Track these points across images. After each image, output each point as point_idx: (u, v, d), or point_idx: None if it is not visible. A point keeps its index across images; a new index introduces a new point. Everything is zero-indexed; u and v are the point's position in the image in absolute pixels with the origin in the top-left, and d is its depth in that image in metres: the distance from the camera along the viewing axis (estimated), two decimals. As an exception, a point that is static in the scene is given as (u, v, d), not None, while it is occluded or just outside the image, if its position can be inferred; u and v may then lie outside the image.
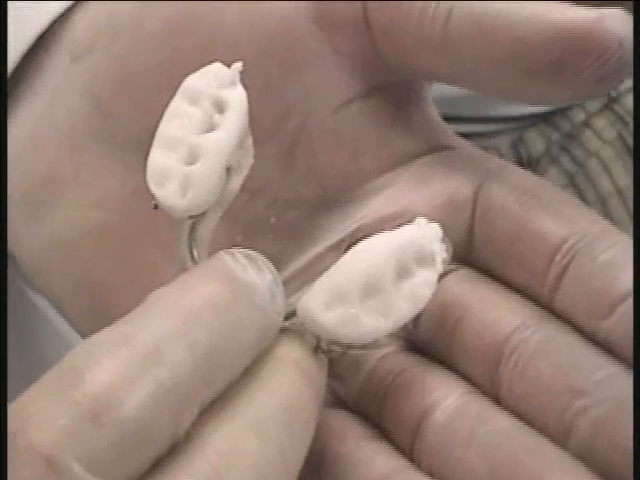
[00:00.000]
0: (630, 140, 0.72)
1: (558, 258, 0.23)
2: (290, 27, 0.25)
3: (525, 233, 0.24)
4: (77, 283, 0.28)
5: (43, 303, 0.30)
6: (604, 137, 0.72)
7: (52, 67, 0.28)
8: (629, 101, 0.73)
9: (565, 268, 0.23)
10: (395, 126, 0.26)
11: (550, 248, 0.23)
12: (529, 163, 0.73)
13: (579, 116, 0.73)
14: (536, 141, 0.64)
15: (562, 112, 0.58)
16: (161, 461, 0.19)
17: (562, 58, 0.22)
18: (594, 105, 0.73)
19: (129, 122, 0.26)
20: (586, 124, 0.73)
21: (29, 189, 0.28)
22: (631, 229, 0.70)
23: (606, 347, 0.22)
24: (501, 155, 0.68)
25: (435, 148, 0.26)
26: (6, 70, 0.28)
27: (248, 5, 0.25)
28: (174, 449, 0.19)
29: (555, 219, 0.24)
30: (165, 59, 0.25)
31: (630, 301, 0.22)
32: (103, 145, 0.27)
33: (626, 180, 0.70)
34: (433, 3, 0.23)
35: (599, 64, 0.22)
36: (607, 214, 0.70)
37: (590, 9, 0.22)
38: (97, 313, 0.21)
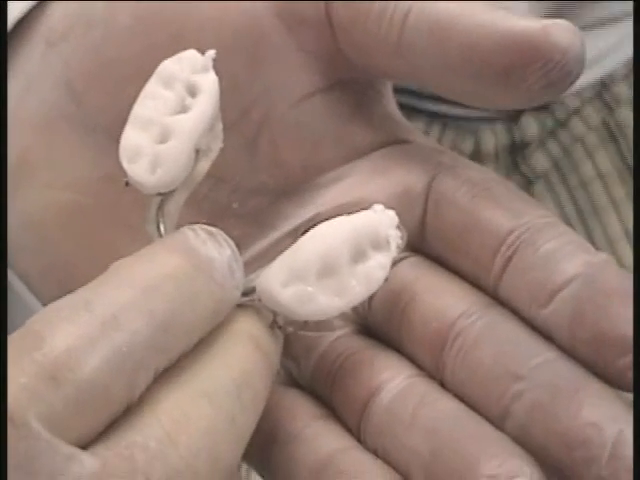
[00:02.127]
0: (614, 127, 0.73)
1: (503, 249, 0.24)
2: (256, 23, 0.26)
3: (473, 225, 0.24)
4: (46, 263, 0.28)
5: (17, 282, 0.30)
6: (590, 123, 0.73)
7: (27, 54, 0.28)
8: (619, 88, 0.75)
9: (509, 259, 0.24)
10: (355, 120, 0.27)
11: (496, 239, 0.24)
12: (521, 147, 0.75)
13: (573, 103, 0.75)
14: (531, 126, 0.66)
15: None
16: (116, 422, 0.20)
17: (509, 65, 0.23)
18: (588, 91, 0.75)
19: (101, 109, 0.27)
20: (577, 111, 0.74)
21: None
22: (613, 215, 0.73)
23: (545, 334, 0.23)
24: (495, 136, 0.70)
25: (393, 141, 0.27)
26: (6, 67, 0.29)
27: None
28: (129, 412, 0.20)
29: (502, 212, 0.24)
30: (136, 51, 0.26)
31: (567, 290, 0.22)
32: (76, 130, 0.28)
33: (608, 166, 0.72)
34: (391, 6, 0.24)
35: (543, 72, 0.22)
36: (589, 198, 0.72)
37: (537, 20, 0.23)
38: (65, 292, 0.22)
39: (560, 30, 0.22)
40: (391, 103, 0.28)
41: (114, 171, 0.23)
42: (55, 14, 0.28)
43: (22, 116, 0.28)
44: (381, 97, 0.28)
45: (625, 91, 0.74)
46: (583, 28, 0.74)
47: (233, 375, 0.21)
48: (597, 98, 0.75)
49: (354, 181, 0.27)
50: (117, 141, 0.23)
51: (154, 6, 0.26)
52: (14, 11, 0.28)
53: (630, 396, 0.23)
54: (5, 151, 0.29)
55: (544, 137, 0.75)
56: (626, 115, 0.74)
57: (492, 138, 0.71)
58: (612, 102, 0.73)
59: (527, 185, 0.76)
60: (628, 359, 0.21)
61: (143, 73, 0.24)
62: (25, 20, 0.28)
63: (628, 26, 0.73)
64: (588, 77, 0.74)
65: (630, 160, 0.72)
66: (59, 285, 0.27)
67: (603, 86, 0.75)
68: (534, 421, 0.22)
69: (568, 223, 0.75)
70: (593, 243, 0.74)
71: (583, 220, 0.73)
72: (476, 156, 0.77)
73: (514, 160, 0.76)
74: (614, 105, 0.73)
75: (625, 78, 0.75)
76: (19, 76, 0.28)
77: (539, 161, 0.75)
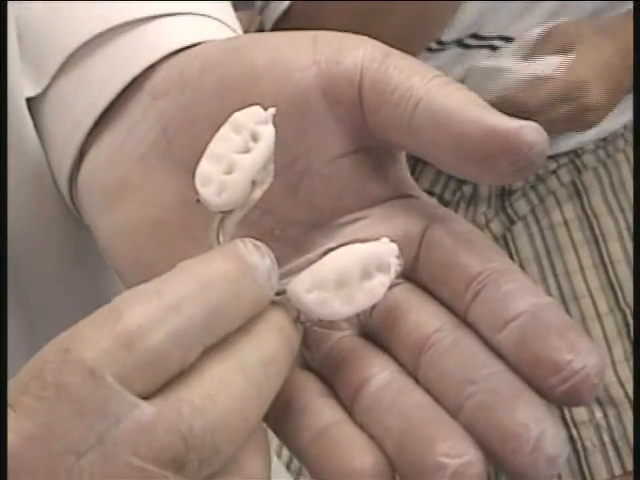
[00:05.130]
0: (580, 185, 0.79)
1: (474, 285, 0.26)
2: (305, 97, 0.28)
3: (454, 264, 0.27)
4: (133, 261, 0.31)
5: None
6: (562, 181, 0.78)
7: (135, 103, 0.32)
8: (587, 158, 0.80)
9: (477, 292, 0.26)
10: (373, 177, 0.30)
11: (469, 277, 0.27)
12: (508, 194, 0.80)
13: (552, 165, 0.80)
14: None
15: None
16: (171, 382, 0.23)
17: (487, 153, 0.25)
18: (563, 158, 0.80)
19: (186, 150, 0.30)
20: (554, 171, 0.79)
21: (107, 189, 0.32)
22: (572, 253, 0.78)
23: (497, 353, 0.25)
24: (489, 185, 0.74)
25: (401, 195, 0.30)
26: (6, 70, 0.31)
27: (277, 74, 0.29)
28: (181, 375, 0.23)
29: (476, 257, 0.27)
30: (215, 109, 0.29)
31: (517, 322, 0.25)
32: (165, 164, 0.30)
33: (572, 215, 0.77)
34: (407, 96, 0.27)
35: (513, 161, 0.25)
36: (555, 238, 0.77)
37: (514, 120, 0.25)
38: None
39: (530, 130, 0.25)
40: (403, 166, 0.30)
41: (190, 196, 0.26)
42: (159, 76, 0.31)
43: (125, 150, 0.31)
44: (395, 161, 0.30)
45: (592, 161, 0.80)
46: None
47: (263, 355, 0.24)
48: (570, 163, 0.80)
49: (368, 223, 0.29)
50: (194, 174, 0.26)
51: (232, 77, 0.29)
52: (136, 68, 0.31)
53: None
54: (5, 152, 0.31)
55: (526, 189, 0.81)
56: (590, 178, 0.79)
57: (486, 186, 0.76)
58: (581, 167, 0.79)
59: (510, 224, 0.81)
60: (556, 379, 0.24)
61: (219, 125, 0.27)
62: (137, 78, 0.32)
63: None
64: (562, 146, 0.80)
65: (589, 212, 0.77)
66: (141, 278, 0.29)
67: (575, 155, 0.81)
68: (479, 416, 0.24)
69: (537, 257, 0.80)
70: (555, 274, 0.79)
71: (549, 255, 0.78)
72: (473, 198, 0.82)
73: (502, 204, 0.81)
74: (582, 169, 0.79)
75: (592, 152, 0.81)
76: (126, 120, 0.32)
77: (521, 206, 0.80)
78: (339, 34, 0.29)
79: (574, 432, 0.77)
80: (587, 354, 0.24)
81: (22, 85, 0.33)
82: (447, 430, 0.24)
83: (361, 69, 0.28)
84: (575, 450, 0.77)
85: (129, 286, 0.24)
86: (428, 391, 0.26)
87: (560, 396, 0.24)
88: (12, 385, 0.22)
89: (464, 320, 0.27)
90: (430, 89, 0.27)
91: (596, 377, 0.24)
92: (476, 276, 0.27)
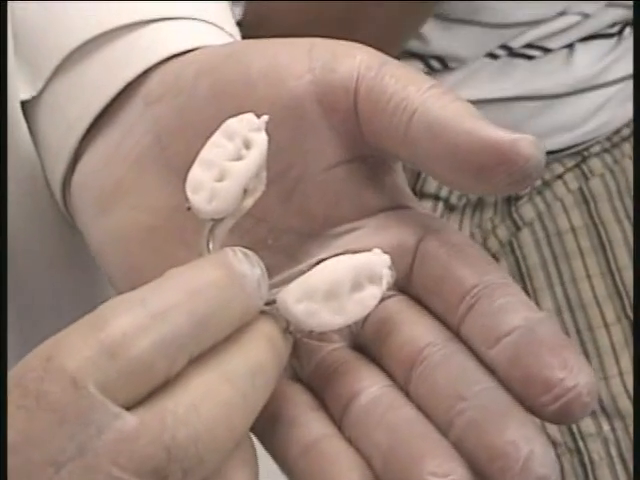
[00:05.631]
0: (587, 192, 0.79)
1: (467, 298, 0.26)
2: (300, 104, 0.28)
3: (448, 277, 0.27)
4: (126, 268, 0.31)
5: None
6: (569, 187, 0.78)
7: (129, 108, 0.32)
8: (593, 163, 0.81)
9: (471, 306, 0.26)
10: (368, 187, 0.30)
11: (463, 290, 0.26)
12: (515, 199, 0.80)
13: (558, 169, 0.79)
14: None
15: (547, 164, 0.66)
16: (156, 391, 0.22)
17: (482, 165, 0.25)
18: (570, 161, 0.79)
19: (179, 155, 0.30)
20: (560, 176, 0.79)
21: (100, 193, 0.32)
22: (579, 260, 0.77)
23: (489, 368, 0.25)
24: None
25: (396, 206, 0.30)
26: (6, 67, 0.31)
27: (272, 81, 0.29)
28: (166, 384, 0.23)
29: (471, 270, 0.27)
30: (209, 115, 0.29)
31: (510, 337, 0.25)
32: (159, 169, 0.31)
33: (579, 222, 0.78)
34: (402, 105, 0.27)
35: (508, 173, 0.25)
36: (562, 245, 0.77)
37: (510, 132, 0.25)
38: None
39: (525, 142, 0.25)
40: (399, 175, 0.30)
41: (182, 202, 0.26)
42: (153, 81, 0.31)
43: (119, 155, 0.31)
44: (391, 171, 0.30)
45: (599, 167, 0.80)
46: (561, 96, 0.80)
47: (250, 364, 0.24)
48: (576, 167, 0.80)
49: (363, 233, 0.29)
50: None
51: (226, 83, 0.29)
52: (131, 73, 0.31)
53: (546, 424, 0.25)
54: (5, 153, 0.31)
55: (533, 194, 0.81)
56: (597, 184, 0.79)
57: None
58: (588, 173, 0.79)
59: (516, 229, 0.81)
60: (547, 397, 0.24)
61: (212, 131, 0.27)
62: (131, 82, 0.32)
63: (601, 95, 0.78)
64: (567, 139, 0.79)
65: (597, 219, 0.77)
66: (133, 284, 0.29)
67: (582, 159, 0.80)
68: (469, 434, 0.24)
69: (544, 264, 0.79)
70: (562, 282, 0.79)
71: (556, 262, 0.77)
72: (480, 203, 0.82)
73: (509, 209, 0.81)
74: (589, 176, 0.79)
75: (598, 155, 0.80)
76: (121, 124, 0.32)
77: (527, 211, 0.80)
78: (336, 41, 0.29)
79: (581, 445, 0.76)
80: (579, 372, 0.24)
81: (17, 87, 0.33)
82: (435, 448, 0.24)
83: (357, 77, 0.28)
84: (582, 463, 0.76)
85: (121, 292, 0.24)
86: (419, 406, 0.26)
87: (551, 414, 0.24)
88: None
89: (457, 334, 0.27)
90: (426, 99, 0.27)
91: (588, 395, 0.24)
92: (470, 289, 0.27)
